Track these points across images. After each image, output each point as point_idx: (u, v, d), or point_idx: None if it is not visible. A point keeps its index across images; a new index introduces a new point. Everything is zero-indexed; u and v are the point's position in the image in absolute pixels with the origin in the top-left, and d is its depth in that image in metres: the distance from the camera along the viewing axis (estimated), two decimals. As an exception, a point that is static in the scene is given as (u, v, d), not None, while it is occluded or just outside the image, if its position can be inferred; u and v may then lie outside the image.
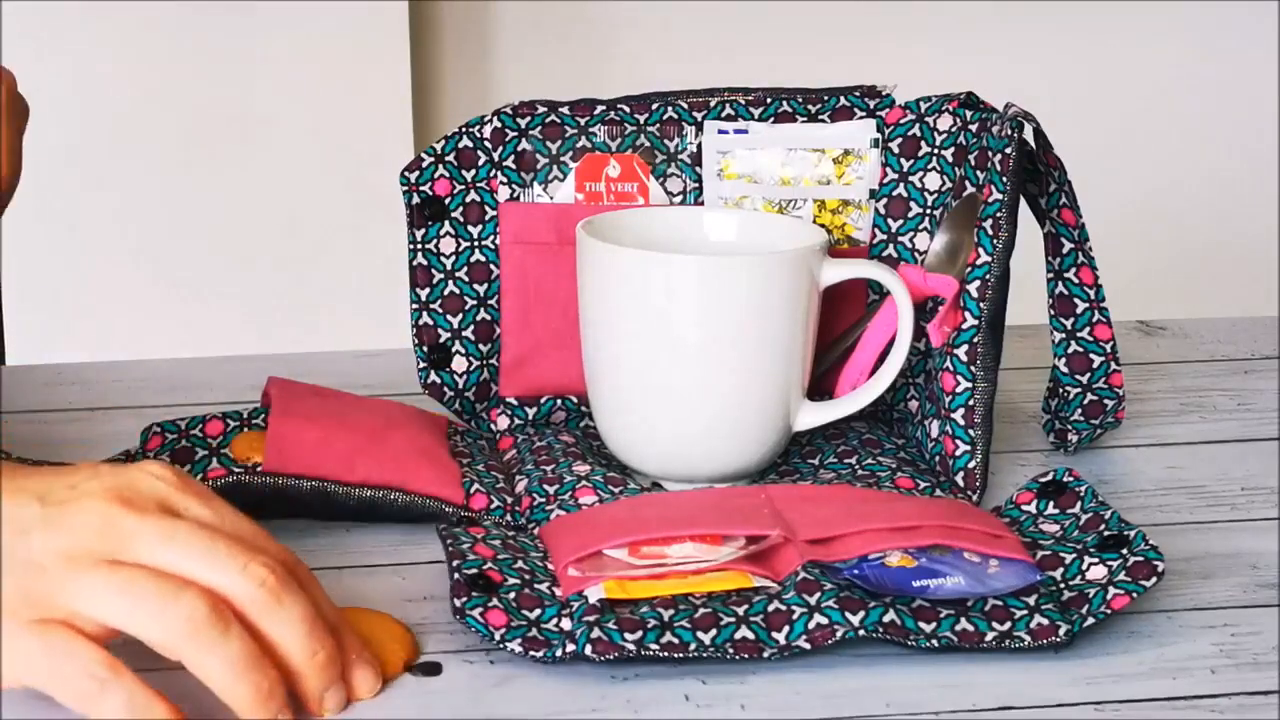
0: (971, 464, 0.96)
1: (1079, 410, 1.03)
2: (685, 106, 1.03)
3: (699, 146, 1.03)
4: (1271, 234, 2.20)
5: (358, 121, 1.93)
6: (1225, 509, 0.98)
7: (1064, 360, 1.03)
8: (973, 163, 1.00)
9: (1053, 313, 1.02)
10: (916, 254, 1.03)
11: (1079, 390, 1.03)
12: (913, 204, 1.03)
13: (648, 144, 1.03)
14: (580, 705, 0.78)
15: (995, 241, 0.95)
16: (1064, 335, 1.02)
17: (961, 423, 0.96)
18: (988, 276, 0.96)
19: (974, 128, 1.01)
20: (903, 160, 1.03)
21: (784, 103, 1.03)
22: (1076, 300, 1.02)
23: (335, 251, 1.96)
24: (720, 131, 1.03)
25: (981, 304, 0.96)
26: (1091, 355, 1.03)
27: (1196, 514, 0.97)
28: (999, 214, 0.96)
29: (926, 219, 1.03)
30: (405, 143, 1.93)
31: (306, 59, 1.91)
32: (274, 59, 1.90)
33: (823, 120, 1.04)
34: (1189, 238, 2.21)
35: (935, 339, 0.98)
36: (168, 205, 1.92)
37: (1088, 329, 1.02)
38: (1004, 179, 0.95)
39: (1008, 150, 0.95)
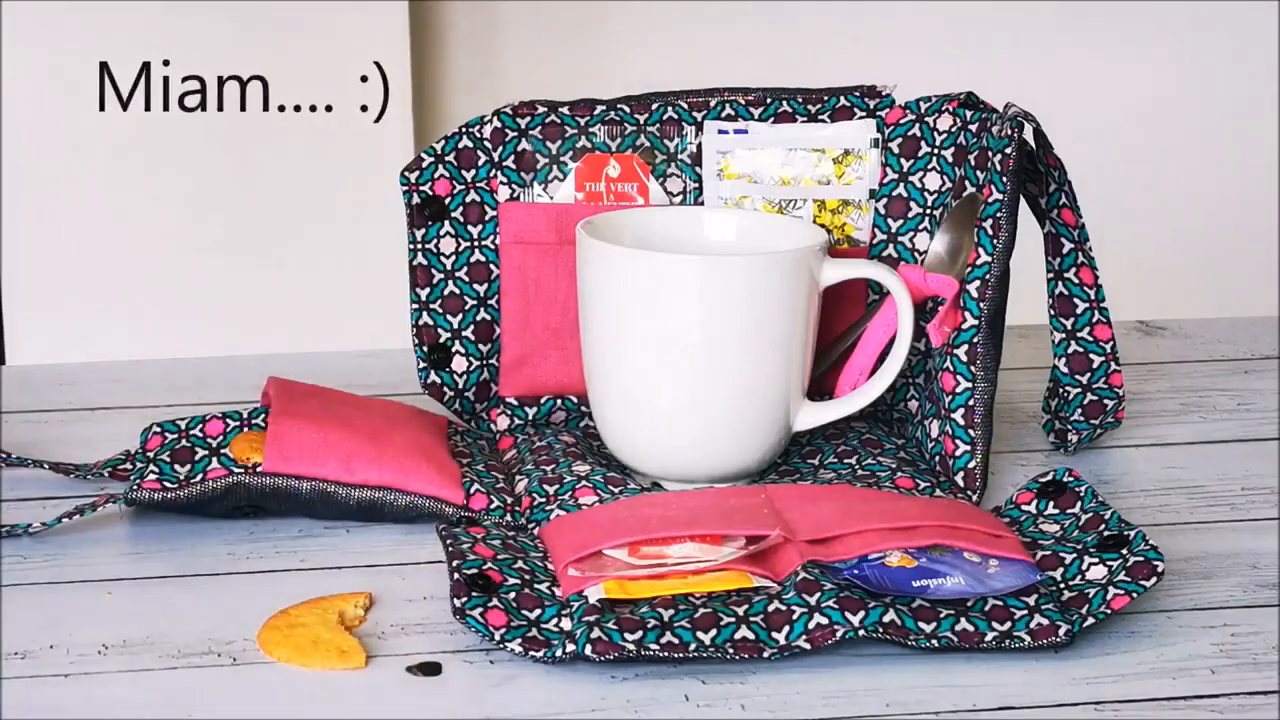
0: (971, 464, 0.96)
1: (1079, 410, 1.03)
2: (685, 106, 1.03)
3: (699, 146, 1.03)
4: (1271, 234, 2.20)
5: (358, 121, 1.93)
6: (1225, 509, 0.98)
7: (1064, 360, 1.03)
8: (973, 163, 1.00)
9: (1053, 313, 1.02)
10: (916, 254, 1.03)
11: (1079, 390, 1.03)
12: (913, 204, 1.03)
13: (648, 144, 1.03)
14: (580, 705, 0.78)
15: (995, 241, 0.95)
16: (1064, 335, 1.02)
17: (961, 423, 0.96)
18: (988, 276, 0.96)
19: (974, 128, 1.01)
20: (903, 160, 1.03)
21: (784, 103, 1.03)
22: (1076, 300, 1.02)
23: (335, 251, 1.95)
24: (720, 131, 1.03)
25: (981, 304, 0.96)
26: (1091, 355, 1.03)
27: (1196, 514, 0.97)
28: (999, 214, 0.95)
29: (926, 219, 1.03)
30: (405, 143, 1.93)
31: (306, 59, 1.90)
32: (273, 59, 1.90)
33: (823, 120, 1.03)
34: (1189, 238, 2.21)
35: (935, 339, 0.98)
36: (167, 205, 1.92)
37: (1088, 329, 1.02)
38: (1004, 179, 0.95)
39: (1008, 150, 0.95)
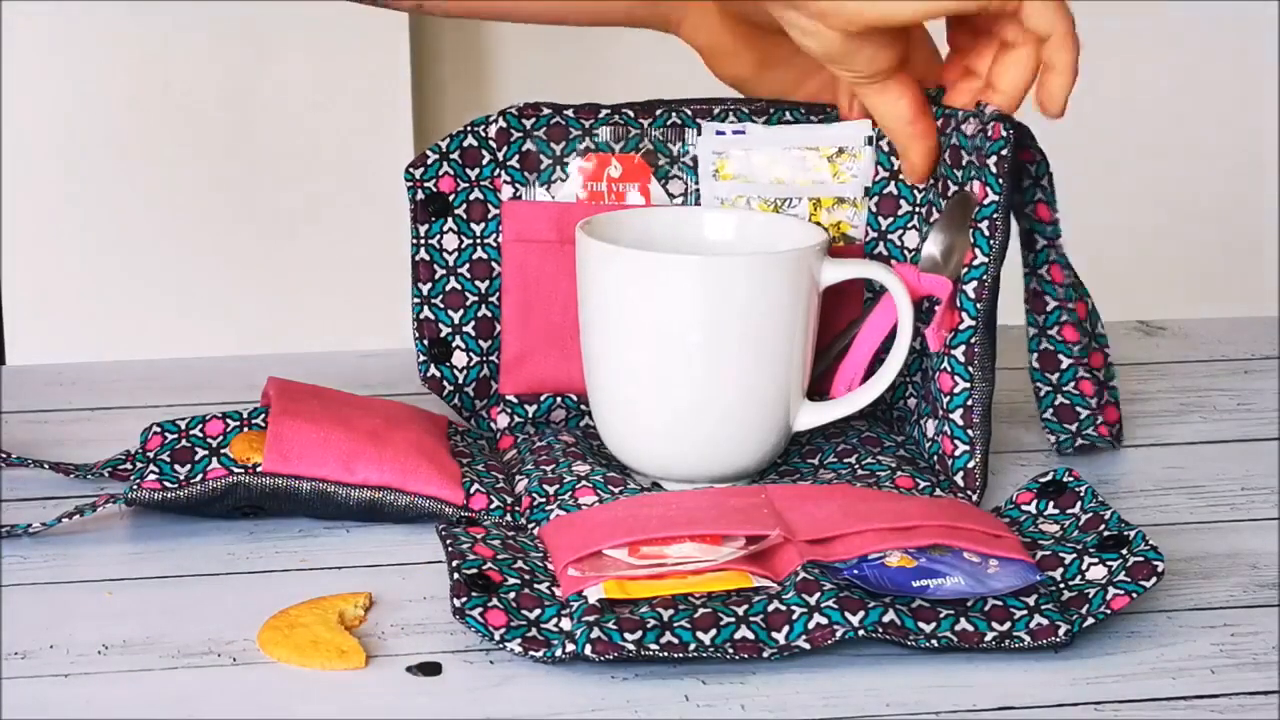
0: (971, 464, 0.96)
1: (1050, 410, 1.03)
2: (690, 113, 1.03)
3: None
4: (1271, 234, 2.20)
5: (358, 121, 1.93)
6: (1225, 509, 0.98)
7: (1035, 356, 1.03)
8: (948, 160, 1.00)
9: (1027, 308, 1.03)
10: (906, 251, 1.03)
11: (1049, 390, 1.03)
12: (903, 202, 1.03)
13: (651, 147, 1.03)
14: (580, 705, 0.78)
15: (991, 242, 0.95)
16: (1036, 331, 1.03)
17: (960, 423, 0.96)
18: (984, 277, 0.96)
19: (938, 124, 1.00)
20: (893, 158, 1.03)
21: (787, 113, 1.03)
22: (1047, 298, 1.02)
23: (335, 251, 1.95)
24: (718, 133, 1.03)
25: (978, 304, 0.96)
26: (1060, 356, 1.02)
27: (1196, 514, 0.97)
28: (995, 215, 0.96)
29: (915, 216, 1.03)
30: (405, 143, 1.93)
31: (307, 59, 1.90)
32: (274, 59, 1.90)
33: (816, 120, 1.03)
34: (1189, 238, 2.21)
35: (933, 343, 0.98)
36: (168, 205, 1.92)
37: (1056, 328, 1.02)
38: (999, 180, 0.95)
39: (1003, 152, 0.95)
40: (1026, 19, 0.96)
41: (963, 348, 0.96)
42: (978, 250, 0.96)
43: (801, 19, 0.95)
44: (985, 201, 0.96)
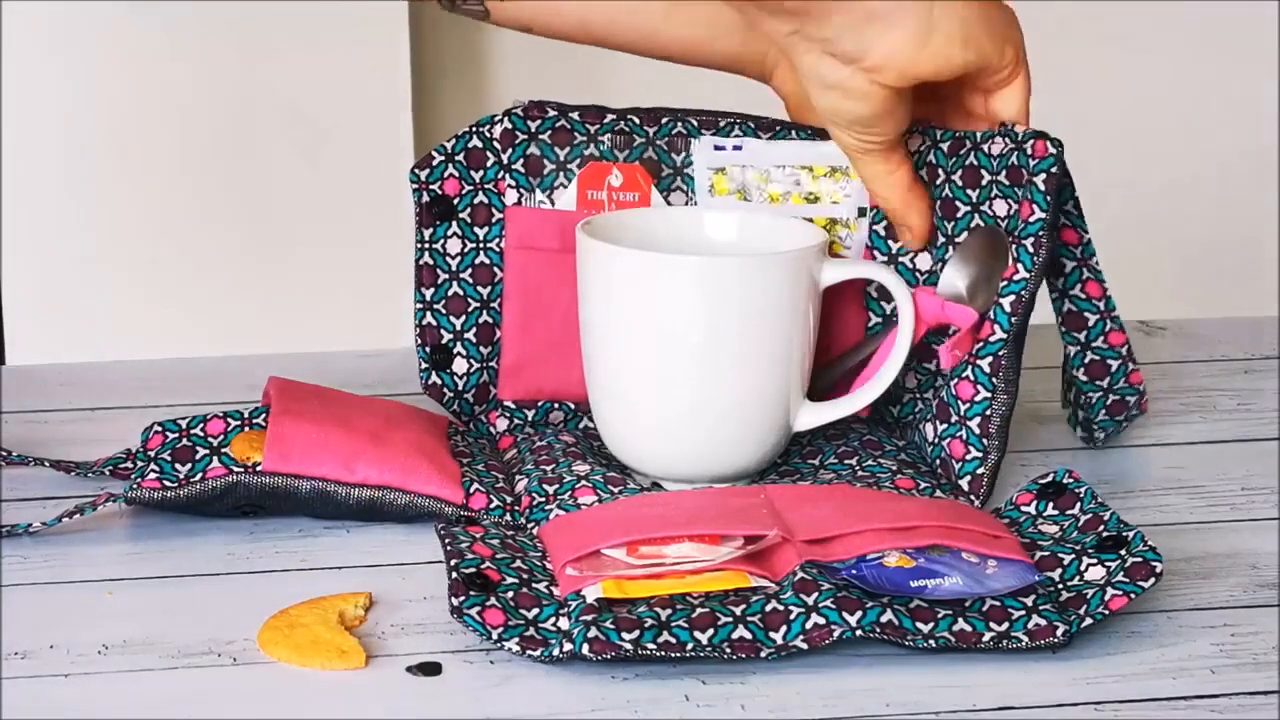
0: (980, 470, 0.96)
1: (1103, 411, 1.03)
2: (695, 124, 1.03)
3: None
4: (1271, 234, 2.20)
5: (358, 121, 1.93)
6: (1225, 509, 0.98)
7: (1082, 370, 1.02)
8: (959, 181, 0.99)
9: (1063, 329, 1.02)
10: (918, 274, 1.02)
11: (1101, 394, 1.03)
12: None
13: (654, 156, 1.03)
14: (580, 705, 0.78)
15: (1035, 259, 0.95)
16: (1079, 348, 1.02)
17: (977, 430, 0.96)
18: (1023, 292, 0.95)
19: (945, 146, 1.00)
20: None
21: (793, 130, 1.03)
22: (1087, 314, 1.01)
23: (335, 251, 1.96)
24: (716, 148, 1.03)
25: (1013, 319, 0.95)
26: (1109, 361, 1.02)
27: (1196, 514, 0.97)
28: (1041, 232, 0.95)
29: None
30: (405, 143, 1.93)
31: (306, 59, 1.91)
32: (274, 59, 1.90)
33: (818, 139, 1.03)
34: (1189, 238, 2.21)
35: (946, 361, 0.97)
36: (168, 205, 1.92)
37: (1101, 338, 1.02)
38: (1047, 198, 0.95)
39: (1052, 170, 0.95)
40: (998, 98, 0.98)
41: (990, 359, 0.96)
42: (1020, 265, 0.96)
43: (857, 78, 0.95)
44: (1031, 219, 0.96)
